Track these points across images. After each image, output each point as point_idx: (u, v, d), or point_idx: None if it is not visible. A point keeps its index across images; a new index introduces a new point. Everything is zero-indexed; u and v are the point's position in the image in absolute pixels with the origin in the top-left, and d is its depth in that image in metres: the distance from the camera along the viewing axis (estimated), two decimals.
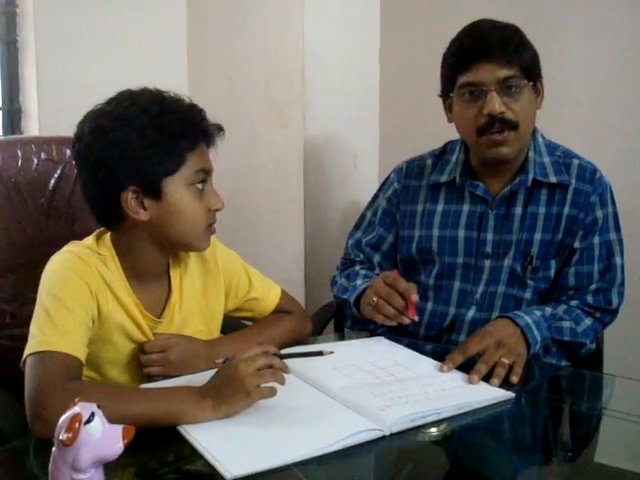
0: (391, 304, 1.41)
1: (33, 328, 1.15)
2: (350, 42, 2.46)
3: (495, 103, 1.44)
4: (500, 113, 1.45)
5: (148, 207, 1.20)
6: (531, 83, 1.48)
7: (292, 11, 2.59)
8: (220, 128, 1.28)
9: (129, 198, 1.19)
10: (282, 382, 1.09)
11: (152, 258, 1.27)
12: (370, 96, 2.39)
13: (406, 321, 1.41)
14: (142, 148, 1.18)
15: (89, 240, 1.28)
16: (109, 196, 1.20)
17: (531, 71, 1.48)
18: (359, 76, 2.44)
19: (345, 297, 1.59)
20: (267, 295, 1.47)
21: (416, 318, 1.41)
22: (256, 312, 1.47)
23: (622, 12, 1.97)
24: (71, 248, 1.25)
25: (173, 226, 1.22)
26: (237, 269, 1.43)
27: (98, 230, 1.30)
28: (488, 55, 1.45)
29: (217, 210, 1.27)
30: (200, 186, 1.24)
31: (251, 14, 2.53)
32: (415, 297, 1.40)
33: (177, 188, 1.21)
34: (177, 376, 1.24)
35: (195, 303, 1.35)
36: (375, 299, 1.44)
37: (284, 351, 1.20)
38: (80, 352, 1.14)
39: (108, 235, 1.28)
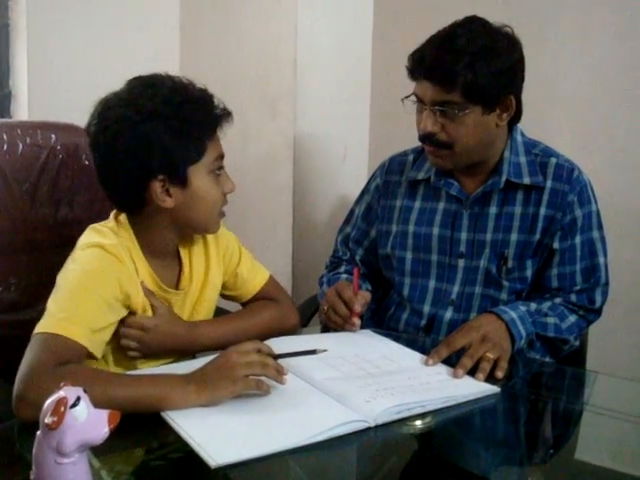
0: (337, 313, 1.44)
1: (52, 306, 1.16)
2: (342, 36, 2.46)
3: (427, 123, 1.43)
4: (431, 133, 1.44)
5: (173, 194, 1.24)
6: (479, 106, 1.42)
7: (285, 4, 2.58)
8: (228, 112, 1.31)
9: (157, 187, 1.23)
10: (277, 378, 1.12)
11: (168, 239, 1.32)
12: (361, 90, 2.39)
13: (353, 329, 1.43)
14: (169, 139, 1.21)
15: (110, 223, 1.31)
16: (136, 185, 1.23)
17: (482, 94, 1.40)
18: (351, 70, 2.44)
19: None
20: (254, 276, 1.48)
21: (354, 328, 1.43)
22: (241, 292, 1.48)
23: (612, 16, 1.98)
24: (102, 241, 1.25)
25: (195, 211, 1.28)
26: (232, 245, 1.47)
27: (114, 211, 1.33)
28: (426, 74, 1.43)
29: (230, 192, 1.32)
30: (218, 171, 1.29)
31: (244, 6, 2.52)
32: (357, 307, 1.42)
33: (200, 175, 1.26)
34: (164, 363, 1.26)
35: (203, 275, 1.40)
36: (326, 308, 1.47)
37: (276, 349, 1.19)
38: (89, 342, 1.14)
39: (124, 216, 1.31)
